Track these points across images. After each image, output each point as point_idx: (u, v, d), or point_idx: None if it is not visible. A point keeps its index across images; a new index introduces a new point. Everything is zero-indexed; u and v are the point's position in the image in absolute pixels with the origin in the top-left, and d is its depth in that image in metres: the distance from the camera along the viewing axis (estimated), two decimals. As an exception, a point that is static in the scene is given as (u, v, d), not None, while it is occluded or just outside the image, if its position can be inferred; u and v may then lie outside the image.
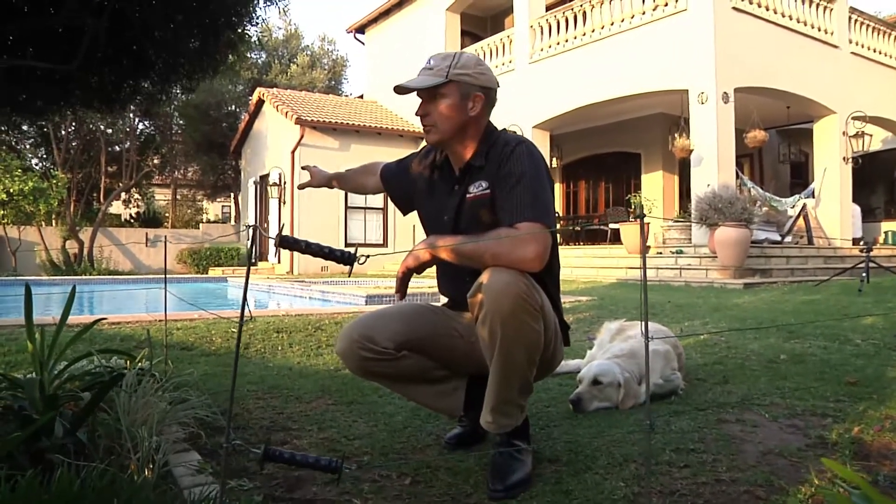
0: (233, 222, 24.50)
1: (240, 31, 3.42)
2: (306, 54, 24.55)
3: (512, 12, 13.33)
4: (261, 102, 16.18)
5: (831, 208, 11.39)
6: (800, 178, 14.82)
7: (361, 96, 18.79)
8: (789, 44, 10.57)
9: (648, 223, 11.64)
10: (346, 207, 14.68)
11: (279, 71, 22.74)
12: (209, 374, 2.96)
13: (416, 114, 1.81)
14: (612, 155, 14.88)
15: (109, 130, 18.78)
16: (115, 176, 19.82)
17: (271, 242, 15.51)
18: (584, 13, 11.51)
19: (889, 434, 1.94)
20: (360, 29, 18.14)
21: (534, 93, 12.29)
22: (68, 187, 16.15)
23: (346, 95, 22.82)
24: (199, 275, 14.41)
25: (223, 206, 32.28)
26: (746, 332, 4.00)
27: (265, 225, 15.99)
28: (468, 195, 1.77)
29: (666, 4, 10.13)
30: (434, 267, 1.83)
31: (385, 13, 17.00)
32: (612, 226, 12.55)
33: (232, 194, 23.93)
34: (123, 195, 20.70)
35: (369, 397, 2.55)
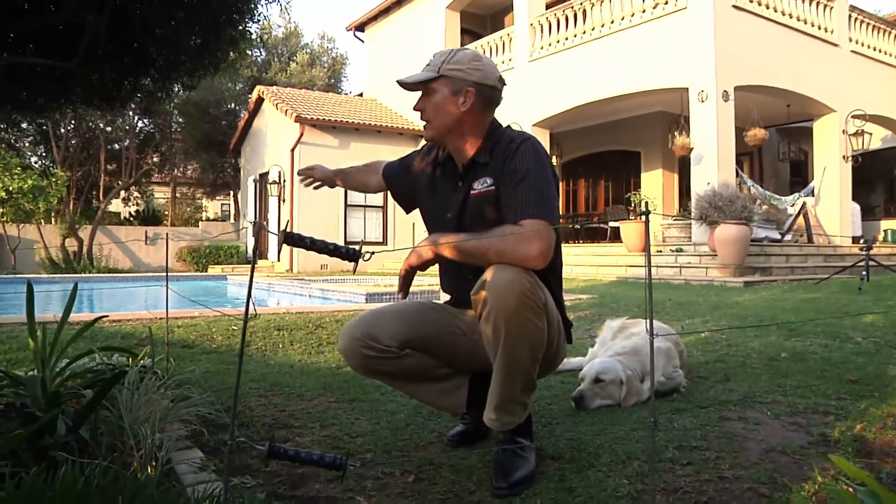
0: (232, 220, 24.49)
1: (241, 28, 3.42)
2: (306, 52, 24.53)
3: (512, 10, 13.32)
4: (260, 100, 16.16)
5: (831, 206, 11.40)
6: (800, 176, 14.83)
7: (361, 94, 18.78)
8: (789, 42, 10.57)
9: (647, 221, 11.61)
10: (346, 206, 14.66)
11: (279, 69, 22.73)
12: (210, 371, 2.96)
13: (414, 108, 1.84)
14: (611, 153, 14.88)
15: (109, 128, 18.76)
16: (114, 174, 19.81)
17: (271, 241, 15.49)
18: (584, 11, 11.50)
19: (891, 432, 1.94)
20: (360, 27, 18.12)
21: (534, 91, 12.28)
22: (67, 185, 16.14)
23: (346, 93, 22.80)
24: (199, 273, 14.40)
25: (222, 205, 32.26)
26: (747, 329, 4.00)
27: (264, 223, 15.98)
28: (473, 192, 1.76)
29: (666, 2, 10.11)
30: (436, 264, 1.83)
31: (385, 11, 16.98)
32: (611, 224, 12.56)
33: (231, 192, 23.91)
34: (123, 193, 20.68)
35: (371, 395, 2.55)
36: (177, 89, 4.11)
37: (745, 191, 9.97)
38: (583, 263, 10.39)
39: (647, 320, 1.19)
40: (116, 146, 19.50)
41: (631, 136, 14.03)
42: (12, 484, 1.18)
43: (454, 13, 14.98)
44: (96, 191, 19.45)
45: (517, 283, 1.52)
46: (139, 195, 22.93)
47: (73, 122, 17.26)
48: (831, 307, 5.17)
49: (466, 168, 1.81)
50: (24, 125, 16.51)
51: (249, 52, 20.34)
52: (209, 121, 19.95)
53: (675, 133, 10.26)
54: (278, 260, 14.97)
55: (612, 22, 10.99)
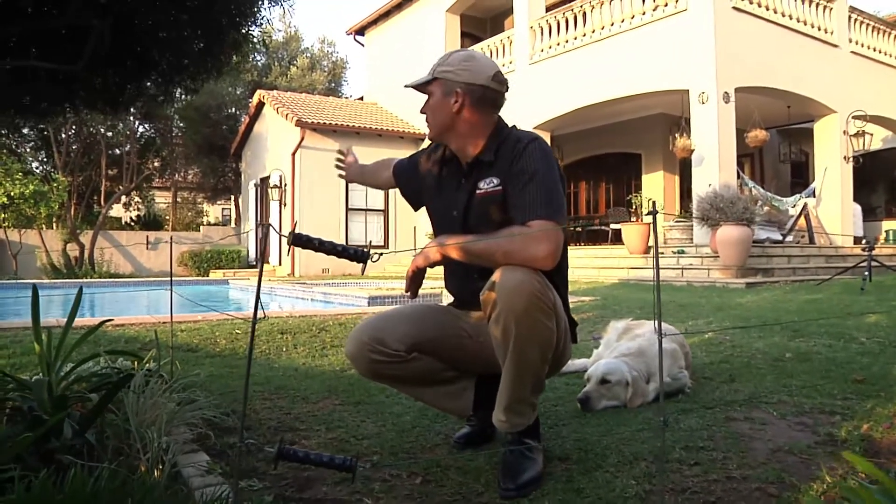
0: (233, 225, 24.49)
1: (244, 31, 3.42)
2: (306, 56, 24.58)
3: (512, 13, 13.33)
4: (261, 105, 16.18)
5: (832, 207, 11.39)
6: (801, 177, 14.83)
7: (361, 98, 18.78)
8: (789, 43, 10.58)
9: (649, 223, 11.61)
10: (347, 209, 14.64)
11: (279, 73, 22.76)
12: (215, 375, 2.96)
13: (420, 111, 1.88)
14: (612, 155, 14.87)
15: (110, 133, 18.78)
16: (115, 179, 19.81)
17: (272, 245, 15.50)
18: (584, 14, 11.51)
19: (899, 431, 1.94)
20: (360, 31, 18.13)
21: (534, 93, 12.29)
22: (69, 190, 16.14)
23: (347, 97, 22.83)
24: (201, 277, 14.40)
25: (223, 209, 32.25)
26: (751, 330, 3.99)
27: (271, 225, 15.99)
28: (478, 191, 1.76)
29: (666, 4, 10.13)
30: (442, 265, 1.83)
31: (385, 15, 16.99)
32: (613, 226, 12.55)
33: (232, 197, 23.92)
34: (124, 198, 20.68)
35: (376, 397, 2.55)
36: (179, 93, 4.12)
37: (746, 192, 9.96)
38: (584, 266, 10.38)
39: (654, 321, 1.18)
40: (117, 151, 19.52)
41: (632, 138, 14.03)
42: (22, 487, 1.18)
43: (454, 16, 15.00)
44: (97, 196, 19.45)
45: (527, 284, 1.52)
46: (140, 200, 22.92)
47: (74, 127, 17.28)
48: (834, 308, 5.16)
49: (470, 166, 1.81)
50: (25, 131, 16.53)
51: (251, 56, 20.39)
52: (210, 125, 19.97)
53: (676, 135, 10.26)
54: (280, 264, 14.97)
55: (612, 24, 11.00)
